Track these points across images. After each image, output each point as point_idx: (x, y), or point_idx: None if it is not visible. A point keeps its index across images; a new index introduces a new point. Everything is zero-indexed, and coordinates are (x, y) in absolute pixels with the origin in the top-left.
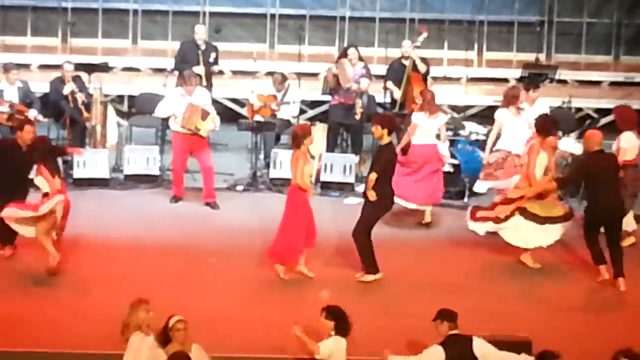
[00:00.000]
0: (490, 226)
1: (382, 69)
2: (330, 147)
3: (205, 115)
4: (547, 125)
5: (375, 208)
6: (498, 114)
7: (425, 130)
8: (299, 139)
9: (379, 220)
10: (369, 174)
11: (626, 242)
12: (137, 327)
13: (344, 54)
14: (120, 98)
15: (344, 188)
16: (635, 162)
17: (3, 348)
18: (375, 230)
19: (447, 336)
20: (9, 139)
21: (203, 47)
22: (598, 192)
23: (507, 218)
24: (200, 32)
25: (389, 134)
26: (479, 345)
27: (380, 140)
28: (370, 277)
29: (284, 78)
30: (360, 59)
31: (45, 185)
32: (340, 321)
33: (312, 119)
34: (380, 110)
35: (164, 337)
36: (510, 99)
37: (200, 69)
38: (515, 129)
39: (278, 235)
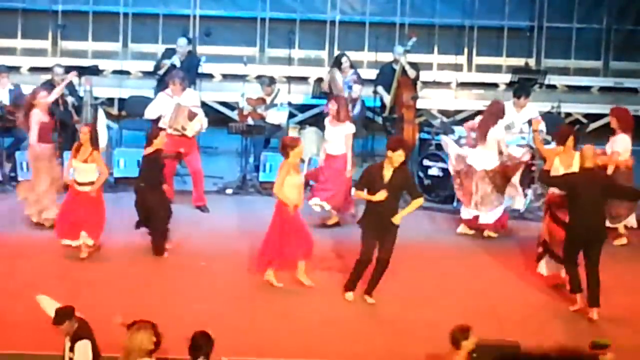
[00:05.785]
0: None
1: (372, 73)
2: None
3: (192, 115)
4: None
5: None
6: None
7: (329, 139)
8: (285, 149)
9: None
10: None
11: (617, 242)
12: (141, 353)
13: (336, 63)
14: (110, 101)
15: None
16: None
17: None
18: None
19: None
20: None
21: (182, 58)
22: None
23: None
24: (181, 45)
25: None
26: None
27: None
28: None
29: (272, 81)
30: (351, 66)
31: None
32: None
33: (302, 123)
34: (370, 114)
35: None
36: (498, 113)
37: None
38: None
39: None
